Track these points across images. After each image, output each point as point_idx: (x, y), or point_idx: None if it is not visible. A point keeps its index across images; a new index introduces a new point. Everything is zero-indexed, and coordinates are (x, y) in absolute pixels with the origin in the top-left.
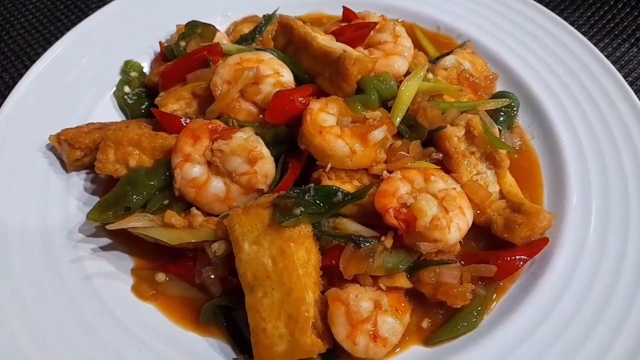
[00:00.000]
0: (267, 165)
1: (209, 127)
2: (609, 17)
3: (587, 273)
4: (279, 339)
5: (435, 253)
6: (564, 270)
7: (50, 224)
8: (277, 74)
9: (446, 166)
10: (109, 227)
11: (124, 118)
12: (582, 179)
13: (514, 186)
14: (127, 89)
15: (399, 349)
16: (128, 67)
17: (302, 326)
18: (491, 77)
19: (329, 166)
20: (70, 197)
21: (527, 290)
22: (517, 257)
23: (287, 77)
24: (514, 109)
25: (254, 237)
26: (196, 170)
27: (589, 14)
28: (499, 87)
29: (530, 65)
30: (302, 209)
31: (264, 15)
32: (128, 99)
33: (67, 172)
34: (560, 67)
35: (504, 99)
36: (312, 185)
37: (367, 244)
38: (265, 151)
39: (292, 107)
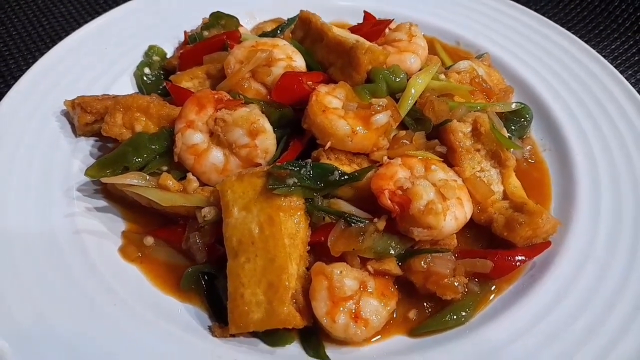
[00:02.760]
0: (268, 141)
1: (215, 96)
2: (630, 43)
3: (588, 284)
4: (256, 306)
5: (430, 244)
6: (565, 277)
7: (50, 179)
8: (289, 58)
9: (449, 160)
10: (104, 180)
11: None
12: (593, 191)
13: (519, 188)
14: (147, 70)
15: (379, 336)
16: (151, 51)
17: (281, 295)
18: (506, 89)
19: (328, 144)
20: (74, 159)
21: (523, 292)
22: (515, 257)
23: (299, 62)
24: (527, 118)
25: (244, 203)
26: (197, 137)
27: (614, 46)
28: (514, 100)
29: (546, 80)
30: (296, 181)
31: (288, 18)
32: (147, 80)
33: (76, 136)
34: (576, 84)
35: (514, 103)
36: (310, 160)
37: (359, 223)
38: (267, 126)
39: (300, 88)
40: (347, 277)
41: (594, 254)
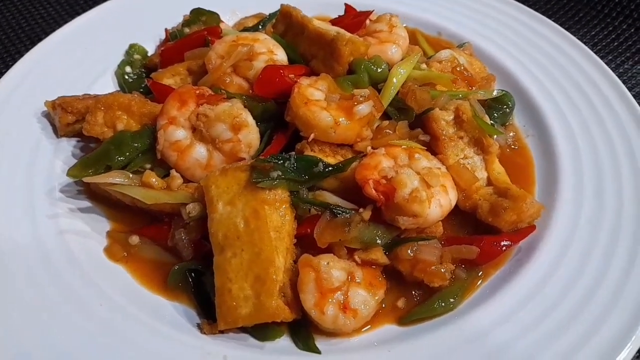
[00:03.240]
0: (251, 135)
1: (197, 92)
2: (609, 29)
3: (574, 265)
4: (243, 300)
5: (416, 232)
6: (550, 260)
7: (33, 180)
8: (271, 52)
9: (433, 148)
10: (86, 179)
11: None
12: (575, 175)
13: (503, 174)
14: (128, 69)
15: (369, 326)
16: (132, 49)
17: (269, 288)
18: (488, 77)
19: (312, 136)
20: (57, 159)
21: (509, 277)
22: (501, 242)
23: (280, 56)
24: (509, 105)
25: (228, 198)
26: (180, 133)
27: (593, 32)
28: (496, 88)
29: (527, 68)
30: (280, 173)
31: (269, 13)
32: (128, 78)
33: (57, 136)
34: (558, 71)
35: (496, 90)
36: (294, 153)
37: (345, 214)
38: (250, 120)
39: (281, 81)
40: (334, 268)
41: (577, 237)
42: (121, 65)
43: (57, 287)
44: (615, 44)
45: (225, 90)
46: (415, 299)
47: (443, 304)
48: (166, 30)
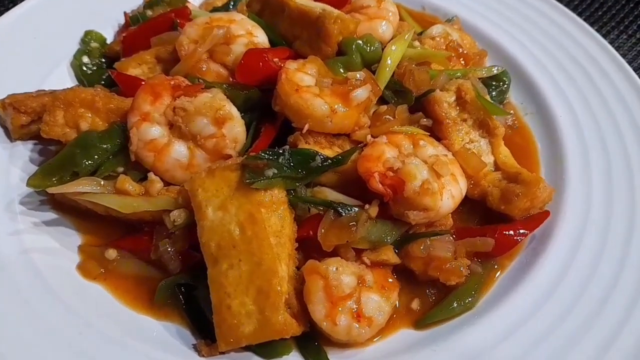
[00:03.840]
0: (236, 128)
1: (171, 83)
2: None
3: (592, 248)
4: (246, 317)
5: (425, 226)
6: (567, 246)
7: None
8: (250, 34)
9: (436, 133)
10: (51, 190)
11: None
12: (581, 152)
13: (510, 157)
14: (85, 59)
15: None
16: (88, 37)
17: (274, 302)
18: (480, 53)
19: (306, 127)
20: (13, 166)
21: (528, 268)
22: (516, 231)
23: (261, 38)
24: (506, 82)
25: (219, 202)
26: (155, 131)
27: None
28: (487, 64)
29: (518, 41)
30: (275, 171)
31: None
32: (87, 70)
33: (11, 140)
34: (549, 42)
35: (496, 67)
36: (288, 147)
37: (349, 212)
38: (234, 111)
39: (266, 66)
40: (343, 273)
41: (593, 219)
42: (77, 56)
43: (26, 317)
44: (600, 13)
45: (203, 79)
46: (430, 299)
47: (462, 303)
48: (125, 14)
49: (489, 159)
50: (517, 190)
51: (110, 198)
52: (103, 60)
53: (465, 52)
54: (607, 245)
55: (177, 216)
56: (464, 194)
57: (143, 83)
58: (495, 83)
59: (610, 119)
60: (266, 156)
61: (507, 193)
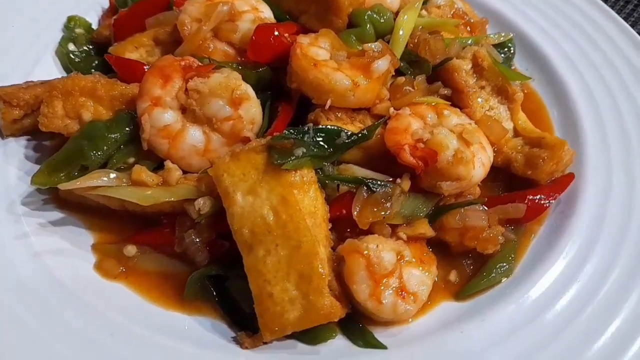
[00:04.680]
0: (252, 109)
1: (182, 63)
2: None
3: (621, 205)
4: (289, 303)
5: (455, 197)
6: (595, 206)
7: None
8: (255, 9)
9: (456, 102)
10: (62, 186)
11: None
12: (593, 112)
13: (528, 122)
14: (71, 46)
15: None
16: (72, 23)
17: (317, 285)
18: (482, 21)
19: (328, 103)
20: (9, 165)
21: (560, 231)
22: (545, 195)
23: (267, 13)
24: (511, 48)
25: (247, 186)
26: (168, 116)
27: None
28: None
29: (517, 7)
30: (304, 150)
31: None
32: (75, 58)
33: (2, 137)
34: (549, 8)
35: (505, 33)
36: (312, 125)
37: (383, 187)
38: (251, 91)
39: (278, 42)
40: (383, 250)
41: (615, 178)
42: (62, 43)
43: (48, 327)
44: None
45: (212, 59)
46: (467, 269)
47: (500, 270)
48: None
49: (508, 125)
50: (542, 155)
51: (127, 191)
52: (91, 47)
53: (471, 20)
54: (635, 201)
55: (203, 205)
56: (492, 161)
57: (146, 66)
58: (500, 49)
59: (617, 77)
60: (292, 135)
61: (533, 158)
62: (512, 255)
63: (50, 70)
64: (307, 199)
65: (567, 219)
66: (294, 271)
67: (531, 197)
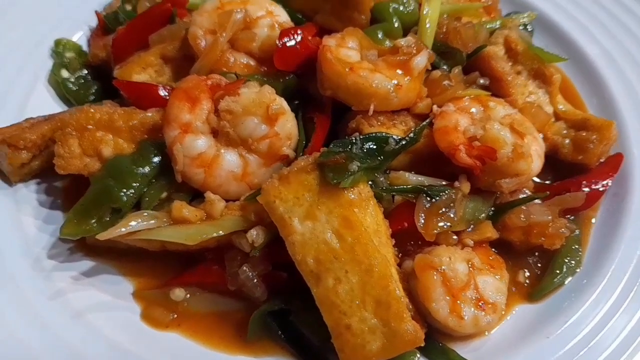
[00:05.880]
0: (289, 123)
1: (208, 83)
2: None
3: None
4: (370, 334)
5: (511, 193)
6: None
7: (5, 255)
8: (270, 14)
9: (495, 91)
10: (101, 236)
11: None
12: (624, 86)
13: (567, 104)
14: (65, 73)
15: None
16: (60, 47)
17: (397, 310)
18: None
19: (372, 109)
20: (24, 215)
21: (619, 214)
22: (600, 179)
23: (283, 16)
24: (528, 26)
25: (304, 210)
26: (201, 143)
27: None
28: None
29: None
30: (359, 164)
31: None
32: (71, 85)
33: (11, 184)
34: None
35: (528, 12)
36: (357, 134)
37: (443, 194)
38: (285, 105)
39: (304, 47)
40: (456, 262)
41: None
42: (55, 70)
43: None
44: None
45: (236, 73)
46: (535, 267)
47: (570, 264)
48: (97, 13)
49: (549, 109)
50: (591, 137)
51: (171, 231)
52: (86, 71)
53: (488, 2)
54: None
55: (256, 236)
56: (544, 150)
57: (160, 88)
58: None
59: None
60: (340, 149)
61: (581, 142)
62: (578, 247)
63: (46, 101)
64: (369, 217)
65: (623, 201)
66: (370, 298)
67: (586, 182)
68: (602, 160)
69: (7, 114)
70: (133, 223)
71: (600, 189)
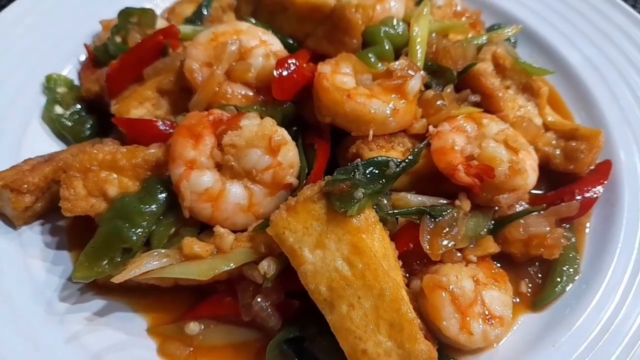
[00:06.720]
0: (290, 152)
1: (210, 118)
2: None
3: None
4: (386, 356)
5: (508, 206)
6: (637, 186)
7: (16, 302)
8: (264, 43)
9: (487, 108)
10: (116, 279)
11: (65, 147)
12: (608, 92)
13: (555, 115)
14: (59, 109)
15: None
16: (51, 82)
17: (410, 332)
18: (477, 13)
19: (371, 134)
20: (31, 258)
21: (611, 220)
22: (591, 186)
23: (277, 45)
24: (511, 39)
25: (313, 240)
26: (207, 179)
27: None
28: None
29: None
30: (364, 190)
31: None
32: (65, 121)
33: (15, 228)
34: None
35: (512, 26)
36: (359, 160)
37: (446, 213)
38: (286, 134)
39: (301, 75)
40: (463, 279)
41: None
42: (48, 107)
43: None
44: None
45: (235, 106)
46: (536, 276)
47: (569, 272)
48: (87, 46)
49: (538, 121)
50: (581, 147)
51: (184, 268)
52: (79, 106)
53: (473, 17)
54: None
55: (268, 267)
56: (538, 163)
57: (159, 123)
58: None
59: (620, 53)
60: (344, 176)
61: (572, 152)
62: (575, 254)
63: (41, 139)
64: (376, 242)
65: (615, 206)
66: (383, 321)
67: (579, 191)
68: (592, 167)
69: (3, 153)
70: (146, 263)
71: (593, 197)
